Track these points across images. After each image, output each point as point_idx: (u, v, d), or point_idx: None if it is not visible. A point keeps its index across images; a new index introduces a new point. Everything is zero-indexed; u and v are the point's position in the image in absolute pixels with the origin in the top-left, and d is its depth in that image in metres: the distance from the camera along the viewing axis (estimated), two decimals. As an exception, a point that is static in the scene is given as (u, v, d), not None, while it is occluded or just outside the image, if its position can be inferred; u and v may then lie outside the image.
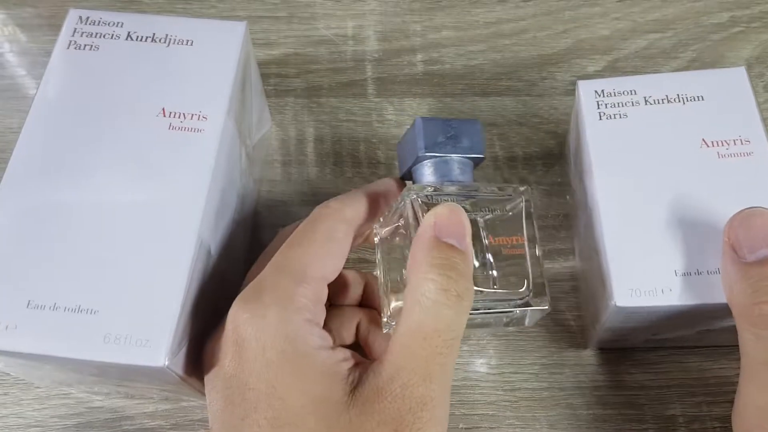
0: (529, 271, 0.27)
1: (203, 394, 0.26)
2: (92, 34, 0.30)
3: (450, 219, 0.24)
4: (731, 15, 0.45)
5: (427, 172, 0.28)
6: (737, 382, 0.34)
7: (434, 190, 0.27)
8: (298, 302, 0.24)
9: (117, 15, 0.31)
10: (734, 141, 0.29)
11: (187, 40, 0.30)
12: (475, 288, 0.24)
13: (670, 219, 0.28)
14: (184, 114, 0.28)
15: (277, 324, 0.24)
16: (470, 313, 0.24)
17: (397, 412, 0.22)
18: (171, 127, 0.28)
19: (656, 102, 0.31)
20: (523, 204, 0.27)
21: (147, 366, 0.23)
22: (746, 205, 0.25)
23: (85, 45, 0.30)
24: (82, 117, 0.28)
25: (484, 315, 0.26)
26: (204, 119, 0.28)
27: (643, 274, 0.27)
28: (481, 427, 0.33)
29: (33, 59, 0.43)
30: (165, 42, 0.30)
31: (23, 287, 0.24)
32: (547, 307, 0.27)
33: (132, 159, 0.27)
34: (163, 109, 0.28)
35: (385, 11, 0.45)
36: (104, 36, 0.30)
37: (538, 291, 0.27)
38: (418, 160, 0.28)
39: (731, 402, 0.34)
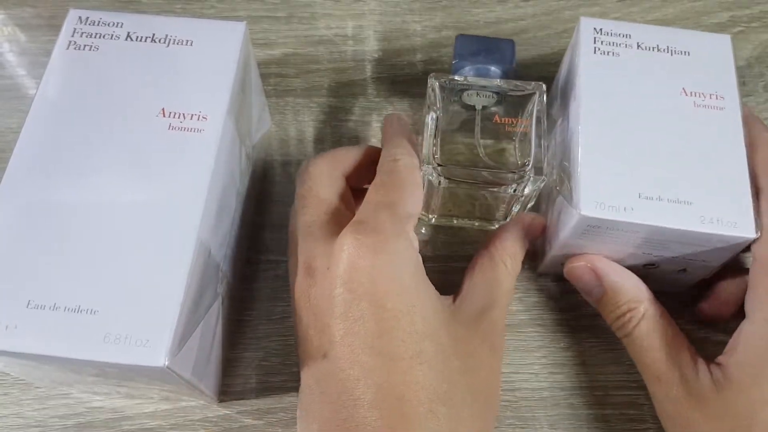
0: (532, 149, 0.32)
1: (204, 393, 0.26)
2: (92, 34, 0.30)
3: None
4: (731, 15, 0.45)
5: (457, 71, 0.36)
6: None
7: (452, 80, 0.34)
8: (411, 235, 0.28)
9: (117, 15, 0.31)
10: (710, 95, 0.32)
11: (187, 41, 0.30)
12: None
13: (642, 149, 0.30)
14: (183, 114, 0.28)
15: (404, 252, 0.27)
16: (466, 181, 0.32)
17: None
18: (171, 128, 0.28)
19: (647, 48, 0.33)
20: (536, 96, 0.34)
21: (147, 366, 0.23)
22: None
23: (85, 45, 0.30)
24: (81, 117, 0.28)
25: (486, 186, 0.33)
26: (204, 119, 0.28)
27: (610, 191, 0.29)
28: (481, 427, 0.33)
29: (32, 59, 0.43)
30: (165, 42, 0.30)
31: (23, 287, 0.24)
32: (543, 177, 0.32)
33: (132, 159, 0.27)
34: (163, 110, 0.28)
35: (385, 11, 0.45)
36: (104, 36, 0.30)
37: (539, 170, 0.32)
38: (455, 66, 0.36)
39: (731, 402, 0.34)
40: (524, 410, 0.33)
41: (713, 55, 0.33)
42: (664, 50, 0.33)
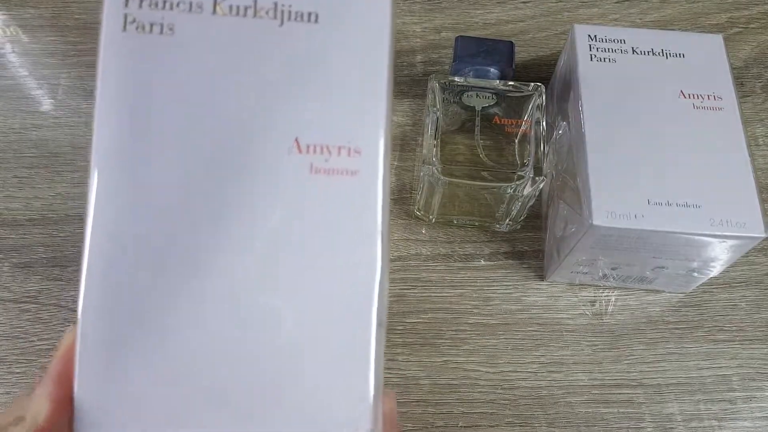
0: (532, 150, 0.33)
1: None
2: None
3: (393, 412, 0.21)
4: (729, 16, 0.45)
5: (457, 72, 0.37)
6: (735, 381, 0.34)
7: (451, 81, 0.35)
8: None
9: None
10: (708, 96, 0.32)
11: (309, 14, 0.19)
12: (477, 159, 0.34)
13: (647, 154, 0.31)
14: (329, 148, 0.18)
15: None
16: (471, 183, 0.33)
17: None
18: (313, 170, 0.18)
19: (642, 53, 0.34)
20: (535, 98, 0.34)
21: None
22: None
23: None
24: (186, 151, 0.18)
25: (488, 184, 0.33)
26: (357, 154, 0.18)
27: (619, 200, 0.29)
28: (480, 426, 0.33)
29: (35, 60, 0.43)
30: (275, 17, 0.19)
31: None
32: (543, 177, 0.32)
33: (281, 219, 0.18)
34: (297, 141, 0.18)
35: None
36: None
37: (538, 171, 0.32)
38: (454, 68, 0.36)
39: (729, 401, 0.34)
40: (523, 408, 0.34)
41: (708, 56, 0.34)
42: (659, 54, 0.34)
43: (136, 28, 0.18)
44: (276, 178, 0.18)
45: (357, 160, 0.18)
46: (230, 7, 0.18)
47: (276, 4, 0.19)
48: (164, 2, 0.18)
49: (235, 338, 0.17)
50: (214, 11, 0.18)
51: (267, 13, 0.19)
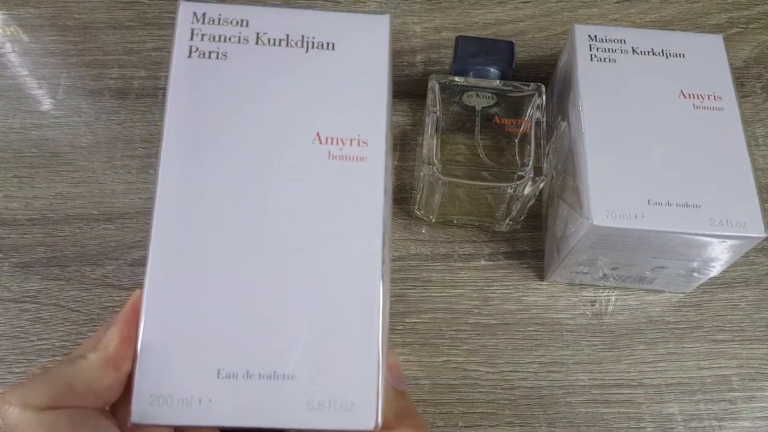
0: (532, 150, 0.33)
1: None
2: (216, 37, 0.25)
3: (398, 367, 0.24)
4: (729, 16, 0.45)
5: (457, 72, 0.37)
6: (735, 381, 0.34)
7: (452, 81, 0.35)
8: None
9: (240, 10, 0.25)
10: (708, 96, 0.32)
11: (328, 43, 0.25)
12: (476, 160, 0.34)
13: (647, 154, 0.31)
14: (342, 140, 0.24)
15: None
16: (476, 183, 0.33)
17: None
18: (331, 157, 0.23)
19: (643, 53, 0.34)
20: (535, 98, 0.34)
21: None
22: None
23: (211, 52, 0.24)
24: (225, 151, 0.23)
25: (489, 184, 0.34)
26: (364, 145, 0.24)
27: (619, 200, 0.29)
28: (480, 426, 0.33)
29: (35, 59, 0.43)
30: (303, 46, 0.25)
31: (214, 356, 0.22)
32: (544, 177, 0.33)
33: (298, 201, 0.23)
34: (319, 135, 0.24)
35: (385, 12, 0.45)
36: (231, 39, 0.25)
37: (538, 171, 0.32)
38: (454, 68, 0.37)
39: (729, 401, 0.34)
40: (523, 408, 0.34)
41: (707, 56, 0.34)
42: (659, 54, 0.34)
43: (199, 55, 0.24)
44: (302, 162, 0.23)
45: (365, 149, 0.23)
46: (269, 39, 0.25)
47: (303, 37, 0.25)
48: (220, 36, 0.25)
49: (270, 282, 0.22)
50: (257, 42, 0.25)
51: (296, 43, 0.25)
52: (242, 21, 0.25)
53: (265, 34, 0.25)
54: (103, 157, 0.40)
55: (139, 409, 0.20)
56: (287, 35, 0.25)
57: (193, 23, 0.25)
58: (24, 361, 0.34)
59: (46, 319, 0.35)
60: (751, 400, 0.34)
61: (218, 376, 0.21)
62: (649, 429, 0.33)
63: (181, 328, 0.21)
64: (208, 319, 0.21)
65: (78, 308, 0.36)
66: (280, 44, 0.25)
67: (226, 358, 0.21)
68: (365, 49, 0.25)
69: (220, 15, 0.25)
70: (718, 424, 0.33)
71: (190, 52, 0.24)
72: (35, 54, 0.43)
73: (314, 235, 0.22)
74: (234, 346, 0.21)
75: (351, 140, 0.24)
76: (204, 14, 0.25)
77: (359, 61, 0.25)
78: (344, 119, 0.24)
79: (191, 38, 0.24)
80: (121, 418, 0.21)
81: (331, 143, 0.23)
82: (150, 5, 0.45)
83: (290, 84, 0.24)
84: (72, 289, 0.36)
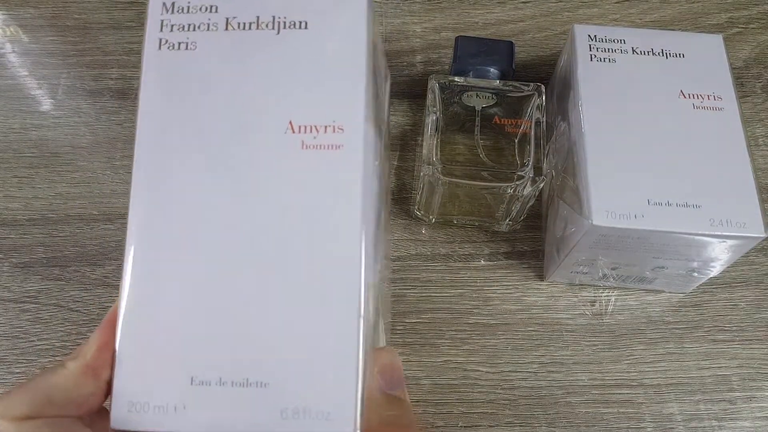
0: (532, 150, 0.33)
1: None
2: (185, 26, 0.23)
3: (393, 368, 0.22)
4: (729, 16, 0.45)
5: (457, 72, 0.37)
6: (735, 381, 0.34)
7: (452, 81, 0.35)
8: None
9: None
10: (708, 96, 0.32)
11: (300, 22, 0.23)
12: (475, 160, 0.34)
13: (646, 154, 0.31)
14: (316, 127, 0.22)
15: None
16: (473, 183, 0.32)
17: None
18: (304, 146, 0.22)
19: (642, 53, 0.34)
20: (535, 98, 0.34)
21: None
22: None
23: (180, 43, 0.23)
24: (195, 142, 0.22)
25: (488, 184, 0.33)
26: (340, 131, 0.22)
27: (619, 200, 0.29)
28: (480, 426, 0.33)
29: (35, 59, 0.43)
30: (273, 27, 0.23)
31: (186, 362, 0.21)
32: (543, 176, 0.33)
33: (269, 195, 0.22)
34: (291, 123, 0.22)
35: (385, 12, 0.45)
36: (199, 27, 0.23)
37: (538, 171, 0.33)
38: (454, 68, 0.37)
39: (729, 401, 0.34)
40: (523, 408, 0.34)
41: (707, 56, 0.34)
42: (659, 54, 0.34)
43: (168, 47, 0.23)
44: (276, 154, 0.22)
45: (341, 135, 0.22)
46: (238, 24, 0.23)
47: (274, 17, 0.23)
48: (189, 25, 0.23)
49: (245, 286, 0.21)
50: (227, 28, 0.23)
51: (267, 25, 0.23)
52: (211, 7, 0.23)
53: (234, 18, 0.23)
54: (103, 157, 0.40)
55: (118, 415, 0.20)
56: (257, 17, 0.23)
57: (162, 14, 0.24)
58: (24, 361, 0.34)
59: (46, 319, 0.36)
60: (751, 400, 0.34)
61: (192, 383, 0.20)
62: (649, 429, 0.33)
63: (156, 334, 0.21)
64: (181, 325, 0.21)
65: (78, 308, 0.36)
66: (250, 27, 0.23)
67: (200, 365, 0.21)
68: (341, 28, 0.23)
69: (189, 3, 0.24)
70: (718, 424, 0.33)
71: (160, 44, 0.23)
72: (35, 54, 0.44)
73: (290, 234, 0.21)
74: (207, 352, 0.21)
75: (326, 127, 0.22)
76: (173, 4, 0.24)
77: (335, 41, 0.23)
78: (318, 105, 0.22)
79: (161, 29, 0.23)
80: (104, 426, 0.21)
81: (305, 131, 0.22)
82: None
83: (261, 70, 0.23)
84: (72, 289, 0.36)
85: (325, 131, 0.22)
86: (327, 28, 0.23)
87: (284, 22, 0.23)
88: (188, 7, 0.24)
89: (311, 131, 0.22)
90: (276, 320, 0.21)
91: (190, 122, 0.22)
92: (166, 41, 0.23)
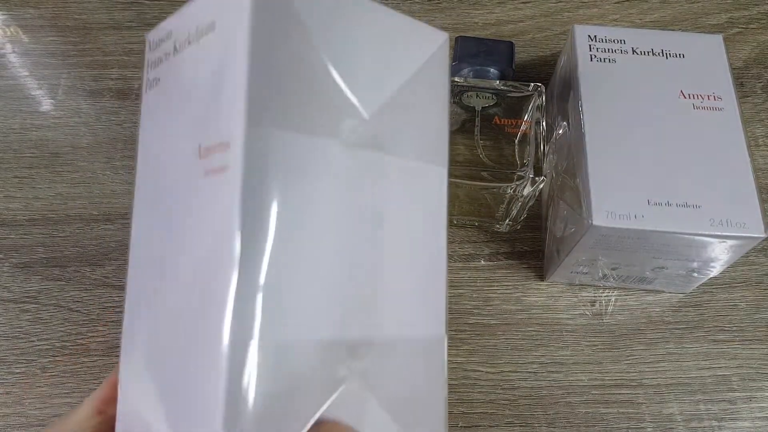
0: (532, 150, 0.33)
1: None
2: None
3: None
4: (729, 16, 0.45)
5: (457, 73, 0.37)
6: (735, 381, 0.34)
7: (452, 82, 0.35)
8: None
9: None
10: (708, 96, 0.32)
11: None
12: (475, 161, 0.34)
13: (647, 154, 0.31)
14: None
15: None
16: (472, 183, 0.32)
17: None
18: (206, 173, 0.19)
19: (642, 53, 0.34)
20: (535, 98, 0.34)
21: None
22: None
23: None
24: None
25: (488, 185, 0.34)
26: (227, 149, 0.19)
27: (619, 200, 0.30)
28: (480, 426, 0.33)
29: (35, 60, 0.43)
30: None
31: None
32: (544, 177, 0.33)
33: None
34: (199, 148, 0.19)
35: (385, 12, 0.45)
36: None
37: (538, 171, 0.33)
38: (454, 68, 0.37)
39: (729, 401, 0.34)
40: (523, 408, 0.34)
41: (707, 56, 0.34)
42: (659, 54, 0.34)
43: (149, 87, 0.22)
44: (187, 182, 0.19)
45: (227, 154, 0.18)
46: (185, 42, 0.20)
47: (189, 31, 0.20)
48: (157, 62, 0.22)
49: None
50: (175, 51, 0.21)
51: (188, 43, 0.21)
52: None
53: (179, 37, 0.21)
54: (103, 158, 0.40)
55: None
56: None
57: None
58: (24, 361, 0.34)
59: (46, 319, 0.36)
60: (751, 400, 0.34)
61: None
62: (649, 429, 0.33)
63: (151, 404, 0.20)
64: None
65: (78, 308, 0.36)
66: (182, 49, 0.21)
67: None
68: (225, 33, 0.18)
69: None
70: (718, 424, 0.33)
71: (147, 86, 0.23)
72: (35, 54, 0.44)
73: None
74: None
75: (221, 145, 0.18)
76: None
77: (218, 49, 0.19)
78: (213, 123, 0.18)
79: (148, 72, 0.23)
80: None
81: (207, 156, 0.18)
82: (150, 5, 0.45)
83: (182, 92, 0.21)
84: (72, 289, 0.36)
85: (222, 150, 0.18)
86: (228, 31, 0.19)
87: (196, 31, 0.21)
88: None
89: (211, 154, 0.18)
90: None
91: (155, 149, 0.23)
92: (149, 81, 0.22)
